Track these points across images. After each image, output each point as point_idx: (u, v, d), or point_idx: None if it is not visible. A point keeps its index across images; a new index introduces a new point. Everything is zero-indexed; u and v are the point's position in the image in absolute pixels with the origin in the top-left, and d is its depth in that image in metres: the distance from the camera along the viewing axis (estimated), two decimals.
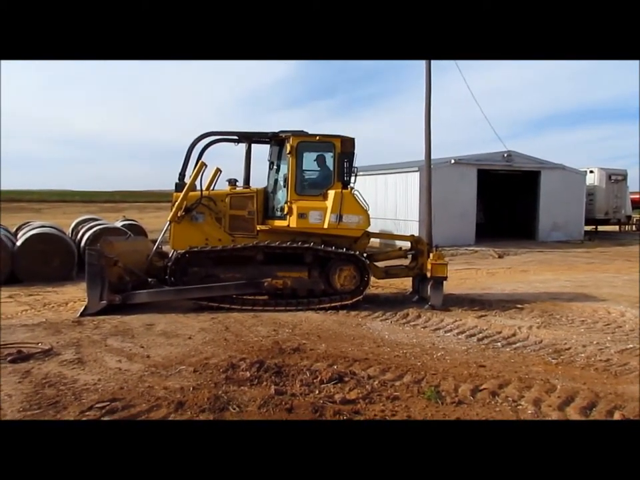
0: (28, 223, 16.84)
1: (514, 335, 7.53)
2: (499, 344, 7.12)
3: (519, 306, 9.44)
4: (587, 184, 25.22)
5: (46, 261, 12.17)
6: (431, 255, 9.50)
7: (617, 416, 4.60)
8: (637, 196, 32.48)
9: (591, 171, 26.34)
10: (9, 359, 5.97)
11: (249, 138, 9.97)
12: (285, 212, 9.30)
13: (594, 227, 27.34)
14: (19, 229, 15.96)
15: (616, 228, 29.31)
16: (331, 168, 9.45)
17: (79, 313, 8.40)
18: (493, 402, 4.96)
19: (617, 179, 26.76)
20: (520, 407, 4.86)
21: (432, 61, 17.18)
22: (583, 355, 6.61)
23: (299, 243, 9.13)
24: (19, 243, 12.27)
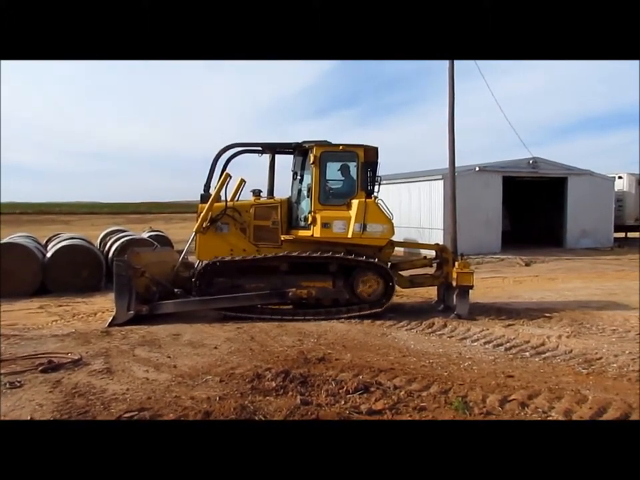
0: (57, 235, 17.22)
1: (543, 344, 7.40)
2: (527, 354, 7.00)
3: (548, 314, 9.27)
4: (616, 190, 24.72)
5: (75, 272, 12.38)
6: (457, 263, 9.41)
7: None
8: None
9: (620, 177, 25.78)
10: (40, 368, 6.08)
11: (272, 149, 10.05)
12: (309, 222, 9.33)
13: (624, 233, 26.73)
14: (48, 240, 16.35)
15: None
16: (355, 177, 9.47)
17: (108, 323, 8.53)
18: (522, 413, 4.87)
19: None
20: (550, 418, 4.76)
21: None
22: (615, 364, 6.45)
23: (320, 253, 9.13)
24: (49, 255, 12.54)
